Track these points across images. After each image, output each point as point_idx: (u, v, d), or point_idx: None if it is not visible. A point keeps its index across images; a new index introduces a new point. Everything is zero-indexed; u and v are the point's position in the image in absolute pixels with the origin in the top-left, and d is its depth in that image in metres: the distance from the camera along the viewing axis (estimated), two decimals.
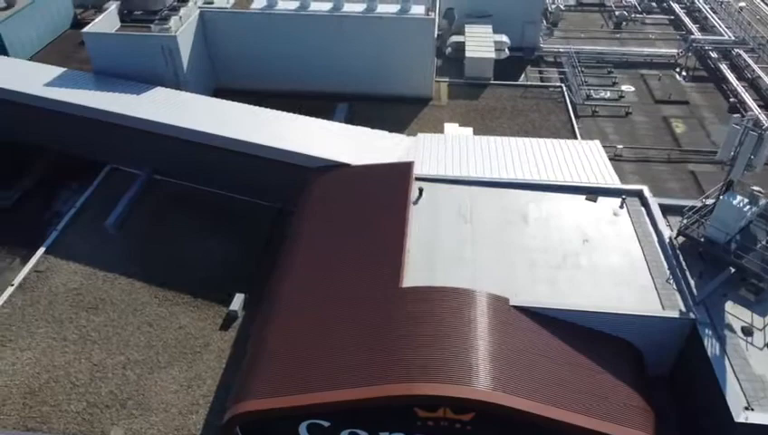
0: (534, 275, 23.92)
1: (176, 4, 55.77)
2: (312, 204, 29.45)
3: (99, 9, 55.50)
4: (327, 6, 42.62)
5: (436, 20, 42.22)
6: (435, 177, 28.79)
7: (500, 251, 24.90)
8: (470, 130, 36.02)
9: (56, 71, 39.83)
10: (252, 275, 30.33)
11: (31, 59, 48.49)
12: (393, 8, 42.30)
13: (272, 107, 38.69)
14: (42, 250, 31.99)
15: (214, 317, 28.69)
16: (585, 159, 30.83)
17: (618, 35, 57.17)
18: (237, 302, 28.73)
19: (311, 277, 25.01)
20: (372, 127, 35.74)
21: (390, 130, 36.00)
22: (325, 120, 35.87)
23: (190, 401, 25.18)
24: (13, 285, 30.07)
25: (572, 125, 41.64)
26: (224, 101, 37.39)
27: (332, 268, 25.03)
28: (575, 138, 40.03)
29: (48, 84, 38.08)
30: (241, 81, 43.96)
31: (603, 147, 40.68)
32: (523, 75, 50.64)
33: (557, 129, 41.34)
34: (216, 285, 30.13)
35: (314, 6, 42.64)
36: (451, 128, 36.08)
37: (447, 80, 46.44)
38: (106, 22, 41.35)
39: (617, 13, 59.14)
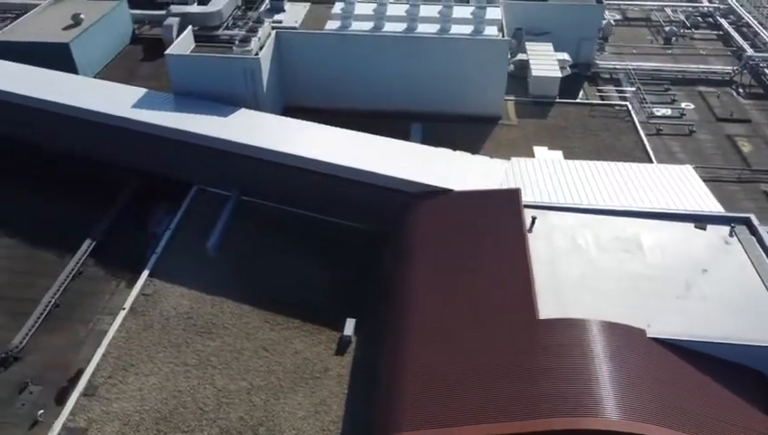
0: (661, 305, 24.57)
1: (240, 22, 56.72)
2: (420, 230, 30.08)
3: (156, 24, 56.34)
4: (401, 27, 43.28)
5: (510, 41, 42.86)
6: (543, 204, 29.43)
7: (623, 281, 25.55)
8: (560, 153, 36.68)
9: (138, 92, 40.36)
10: (357, 299, 30.92)
11: (97, 75, 49.24)
12: (467, 29, 42.96)
13: (344, 126, 39.47)
14: (146, 273, 32.52)
15: (327, 342, 29.27)
16: (682, 184, 31.51)
17: (669, 51, 57.85)
18: (350, 327, 29.29)
19: (438, 307, 25.62)
20: (447, 147, 36.48)
21: (465, 150, 36.84)
22: (417, 144, 36.53)
23: (320, 427, 25.76)
24: (124, 309, 30.61)
25: (644, 145, 42.23)
26: (310, 123, 37.97)
27: (459, 297, 25.64)
28: (650, 158, 40.67)
29: (134, 106, 38.63)
30: (311, 99, 44.43)
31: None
32: (581, 92, 51.33)
33: (630, 149, 41.94)
34: (322, 308, 30.72)
35: (388, 27, 43.28)
36: (541, 151, 36.67)
37: (513, 98, 47.00)
38: (184, 42, 41.86)
39: (666, 28, 59.83)
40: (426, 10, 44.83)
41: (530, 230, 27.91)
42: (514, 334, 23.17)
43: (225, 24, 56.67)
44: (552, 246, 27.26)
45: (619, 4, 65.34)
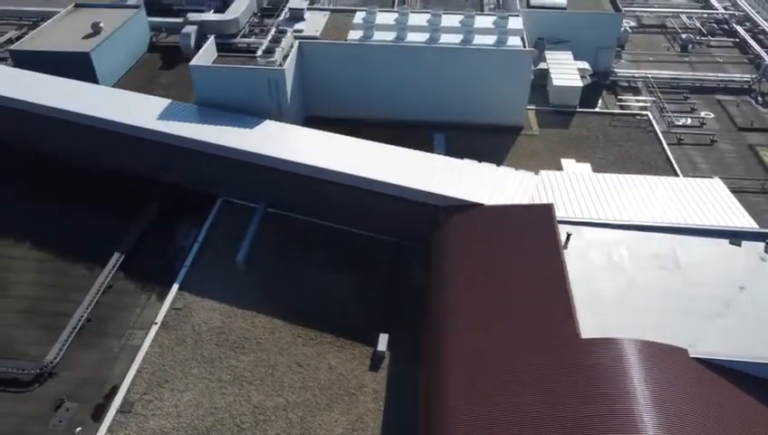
0: (701, 323, 24.57)
1: (257, 29, 56.62)
2: (452, 245, 30.06)
3: (173, 32, 56.32)
4: (423, 37, 43.23)
5: (533, 51, 42.85)
6: (577, 220, 29.41)
7: (661, 298, 25.56)
8: (588, 166, 36.67)
9: (162, 102, 40.31)
10: (388, 313, 30.95)
11: (116, 84, 49.22)
12: (489, 39, 42.93)
13: (366, 135, 39.51)
14: (176, 287, 32.52)
15: (361, 357, 29.27)
16: (713, 198, 31.50)
17: (686, 59, 57.82)
18: (383, 342, 29.29)
19: (476, 325, 25.60)
20: (471, 158, 36.51)
21: (488, 160, 36.92)
22: (444, 156, 36.56)
23: None
24: (156, 324, 30.61)
25: (668, 156, 42.23)
26: (337, 135, 37.90)
27: (497, 315, 25.63)
28: (674, 169, 40.71)
29: (160, 117, 38.59)
30: (332, 109, 44.47)
31: (694, 177, 41.89)
32: (600, 101, 51.32)
33: (653, 160, 41.96)
34: (353, 322, 30.75)
35: (411, 37, 43.24)
36: (569, 164, 36.65)
37: (534, 107, 46.98)
38: (207, 53, 41.82)
39: (683, 36, 59.76)
40: (447, 19, 44.77)
41: (565, 247, 27.86)
42: (556, 354, 23.16)
43: (243, 32, 56.67)
44: (587, 262, 27.26)
45: (635, 11, 65.28)
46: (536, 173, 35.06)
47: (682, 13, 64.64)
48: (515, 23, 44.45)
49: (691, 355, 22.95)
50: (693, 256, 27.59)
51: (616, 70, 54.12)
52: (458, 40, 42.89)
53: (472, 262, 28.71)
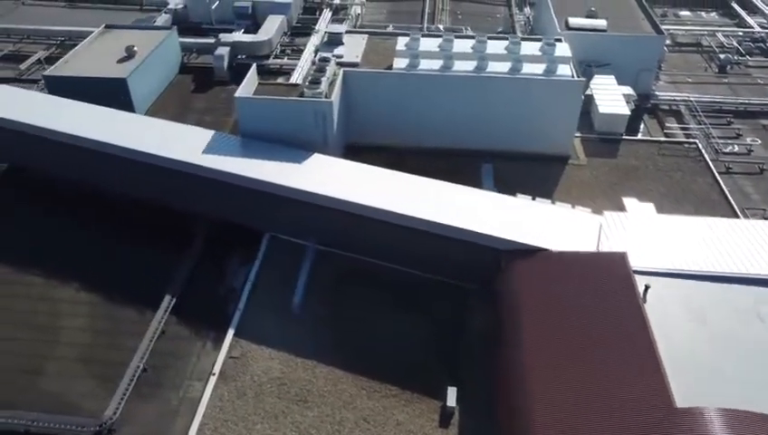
0: None
1: (288, 49, 55.80)
2: (520, 294, 29.14)
3: (203, 52, 55.47)
4: (469, 64, 42.26)
5: (584, 81, 41.95)
6: (651, 270, 28.48)
7: (756, 360, 24.61)
8: (651, 205, 35.65)
9: (205, 134, 39.26)
10: (453, 363, 30.05)
11: (150, 108, 48.38)
12: (538, 67, 41.97)
13: (410, 164, 38.82)
14: (231, 333, 31.60)
15: (429, 412, 28.36)
16: None
17: (725, 80, 56.87)
18: (452, 397, 28.35)
19: (557, 387, 24.67)
20: (520, 190, 35.76)
21: (538, 193, 36.11)
22: (497, 193, 35.67)
23: None
24: (214, 374, 29.69)
25: (721, 187, 41.30)
26: (387, 170, 36.83)
27: (579, 377, 24.70)
28: (729, 203, 39.80)
29: (205, 151, 37.60)
30: (374, 137, 43.53)
31: (746, 209, 41.02)
32: (642, 126, 50.41)
33: (706, 193, 41.03)
34: (418, 373, 29.83)
35: (457, 66, 42.25)
36: (631, 203, 35.68)
37: (579, 135, 46.01)
38: (250, 83, 40.82)
39: (721, 56, 58.78)
40: (492, 46, 43.78)
41: (644, 300, 26.94)
42: (650, 426, 22.21)
43: (275, 53, 55.89)
44: (666, 317, 26.33)
45: (668, 29, 64.19)
46: (593, 210, 34.22)
47: (717, 31, 63.57)
48: (563, 49, 43.48)
49: None
50: None
51: (657, 93, 53.14)
52: (506, 68, 41.89)
53: (543, 313, 27.79)
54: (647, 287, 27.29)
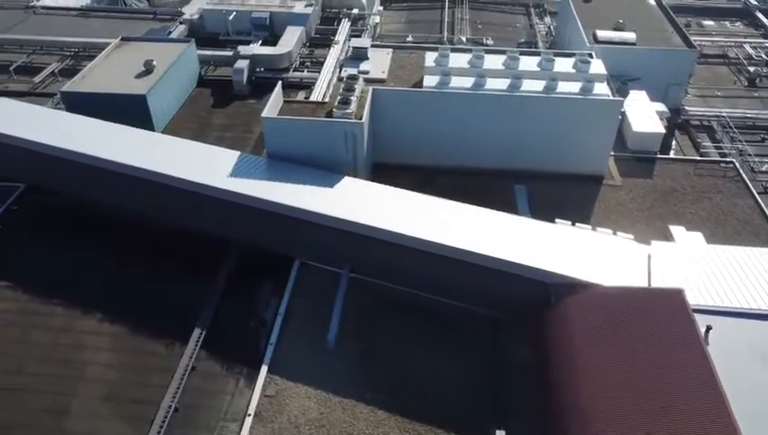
0: None
1: (308, 61, 54.45)
2: (572, 332, 27.78)
3: (221, 65, 54.13)
4: (503, 83, 40.88)
5: (622, 101, 40.61)
6: (713, 308, 27.15)
7: None
8: (700, 235, 34.28)
9: (231, 156, 37.81)
10: (497, 402, 28.69)
11: (168, 125, 46.95)
12: (574, 85, 40.60)
13: (441, 185, 37.85)
14: (264, 369, 30.20)
15: None
16: None
17: (755, 94, 55.54)
18: None
19: (619, 431, 23.32)
20: (557, 213, 34.58)
21: (575, 216, 34.90)
22: (536, 220, 34.27)
23: None
24: (250, 415, 28.30)
25: (763, 210, 39.95)
26: (421, 195, 35.46)
27: (642, 421, 23.34)
28: None
29: (232, 175, 36.21)
30: (403, 156, 42.13)
31: None
32: (674, 143, 49.09)
33: (749, 216, 39.67)
34: (462, 413, 28.50)
35: (490, 84, 40.87)
36: (679, 232, 34.30)
37: (613, 153, 44.61)
38: (276, 102, 39.44)
39: (751, 68, 57.43)
40: (525, 62, 42.41)
41: (705, 341, 25.59)
42: None
43: (294, 65, 54.51)
44: (733, 361, 24.97)
45: (695, 40, 62.74)
46: (636, 237, 32.89)
47: (745, 42, 62.21)
48: (598, 66, 42.12)
49: None
50: None
51: (687, 108, 51.81)
52: (541, 86, 40.51)
53: (597, 353, 26.44)
54: (708, 328, 25.89)
